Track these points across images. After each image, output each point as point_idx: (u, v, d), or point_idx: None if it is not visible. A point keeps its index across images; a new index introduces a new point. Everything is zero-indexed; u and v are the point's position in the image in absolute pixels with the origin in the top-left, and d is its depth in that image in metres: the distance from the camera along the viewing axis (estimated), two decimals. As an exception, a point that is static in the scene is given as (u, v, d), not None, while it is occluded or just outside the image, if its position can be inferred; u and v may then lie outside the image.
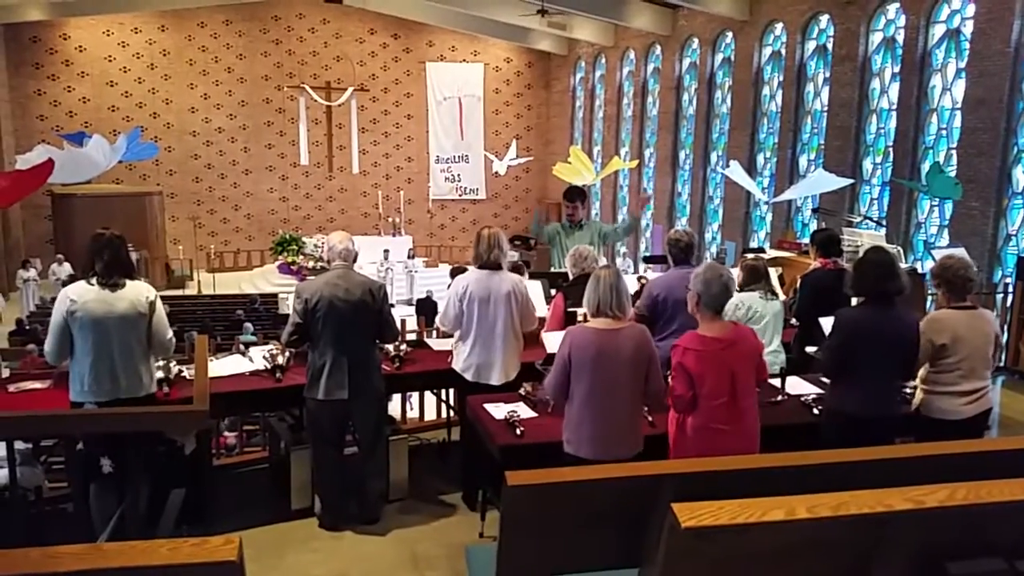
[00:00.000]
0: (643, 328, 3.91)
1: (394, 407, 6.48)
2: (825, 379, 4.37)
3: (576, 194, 7.26)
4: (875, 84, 14.25)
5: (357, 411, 4.71)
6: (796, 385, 5.00)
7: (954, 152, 12.36)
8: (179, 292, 20.81)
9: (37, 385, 4.99)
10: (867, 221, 13.22)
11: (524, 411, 4.37)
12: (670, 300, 4.95)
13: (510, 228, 22.97)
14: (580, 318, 4.57)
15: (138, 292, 4.30)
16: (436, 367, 5.38)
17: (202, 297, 20.18)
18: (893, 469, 2.53)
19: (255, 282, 22.22)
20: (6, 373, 5.33)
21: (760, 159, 17.46)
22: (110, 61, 23.21)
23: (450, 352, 5.19)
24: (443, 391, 6.29)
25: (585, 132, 25.24)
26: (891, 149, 13.74)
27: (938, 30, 12.89)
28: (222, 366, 5.21)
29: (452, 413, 6.15)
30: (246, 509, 4.97)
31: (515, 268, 5.71)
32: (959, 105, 12.30)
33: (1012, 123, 11.38)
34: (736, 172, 13.79)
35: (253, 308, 17.87)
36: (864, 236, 10.26)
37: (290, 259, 21.96)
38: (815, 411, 4.50)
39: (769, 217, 17.08)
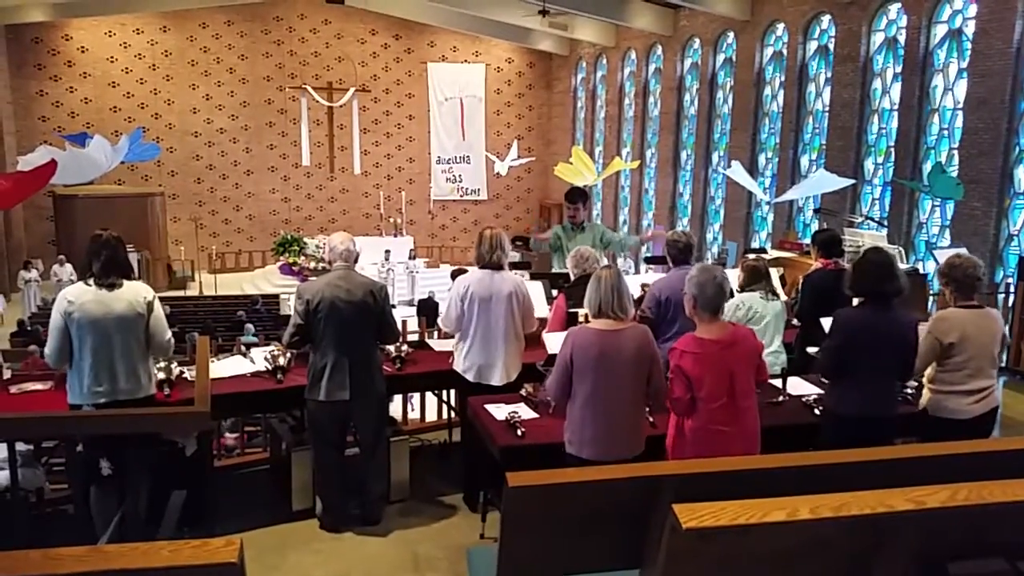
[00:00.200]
0: (645, 328, 3.91)
1: (395, 408, 6.49)
2: (824, 379, 4.36)
3: (578, 196, 7.27)
4: (877, 84, 14.24)
5: (358, 412, 4.71)
6: (797, 386, 4.99)
7: (956, 152, 12.35)
8: (181, 293, 20.84)
9: (39, 386, 4.99)
10: (869, 221, 13.22)
11: (525, 412, 4.36)
12: (672, 301, 4.95)
13: (511, 229, 22.97)
14: (581, 319, 4.57)
15: (136, 292, 4.28)
16: (437, 368, 5.38)
17: (203, 298, 20.20)
18: (894, 470, 2.53)
19: (256, 283, 22.24)
20: (8, 374, 5.32)
21: (761, 159, 17.45)
22: (112, 62, 23.24)
23: (451, 353, 5.19)
24: (444, 392, 6.29)
25: (586, 132, 25.25)
26: (893, 149, 13.73)
27: (940, 30, 12.88)
28: (223, 367, 5.21)
29: (453, 414, 6.15)
30: (247, 511, 4.97)
31: (521, 265, 5.70)
32: (961, 105, 12.29)
33: (1014, 123, 11.37)
34: (737, 172, 13.79)
35: (254, 309, 17.87)
36: (866, 236, 10.28)
37: (291, 260, 21.97)
38: (816, 412, 4.50)
39: (770, 217, 17.07)
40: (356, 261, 4.80)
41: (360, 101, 24.90)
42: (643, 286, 6.82)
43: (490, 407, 4.45)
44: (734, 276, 5.76)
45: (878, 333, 4.01)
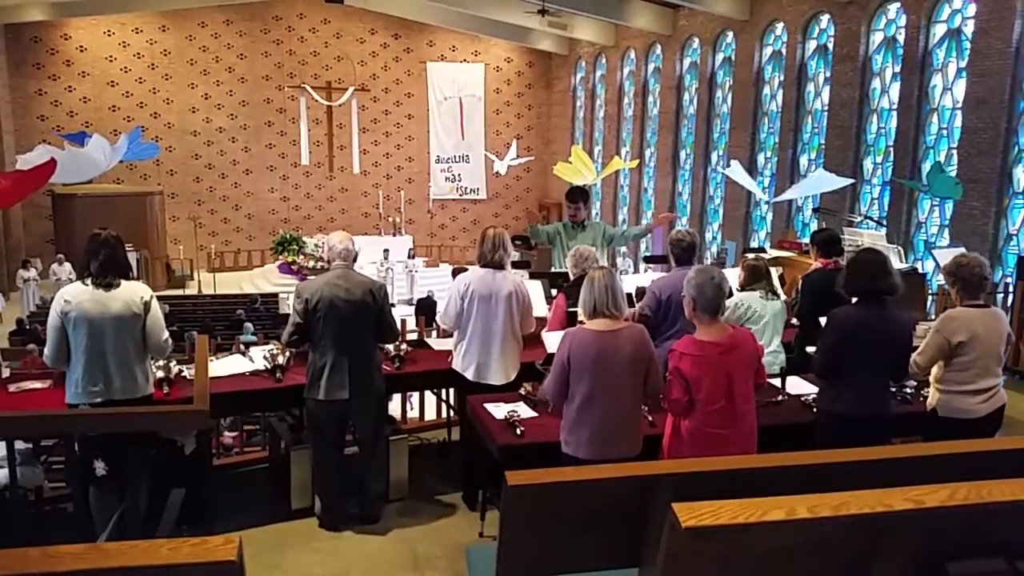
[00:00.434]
0: (642, 328, 3.90)
1: (394, 407, 6.48)
2: (821, 379, 4.35)
3: (579, 195, 7.25)
4: (876, 84, 14.25)
5: (357, 411, 4.71)
6: (796, 385, 5.00)
7: (955, 152, 12.36)
8: (180, 292, 20.83)
9: (37, 385, 4.98)
10: (868, 221, 13.23)
11: (524, 411, 4.37)
12: (673, 301, 4.94)
13: (511, 228, 22.92)
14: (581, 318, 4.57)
15: (133, 292, 4.27)
16: (436, 367, 5.39)
17: (202, 297, 20.19)
18: (893, 469, 2.53)
19: (255, 282, 22.24)
20: (6, 373, 5.32)
21: (761, 159, 17.46)
22: (111, 61, 23.22)
23: (450, 352, 5.19)
24: (443, 391, 6.29)
25: (586, 132, 25.25)
26: (892, 149, 13.74)
27: (939, 29, 12.89)
28: (222, 366, 5.21)
29: (452, 413, 6.15)
30: (246, 509, 4.97)
31: (521, 264, 5.67)
32: (960, 105, 12.30)
33: (1013, 123, 11.38)
34: (737, 172, 13.79)
35: (253, 308, 17.86)
36: (865, 236, 10.28)
37: (290, 259, 21.97)
38: (815, 411, 4.50)
39: (770, 217, 17.08)
40: (355, 260, 4.80)
41: (359, 100, 24.89)
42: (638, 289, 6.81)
43: (489, 406, 4.45)
44: (734, 275, 5.76)
45: (873, 332, 3.99)
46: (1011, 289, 9.82)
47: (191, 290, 21.55)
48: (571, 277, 5.63)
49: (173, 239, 22.89)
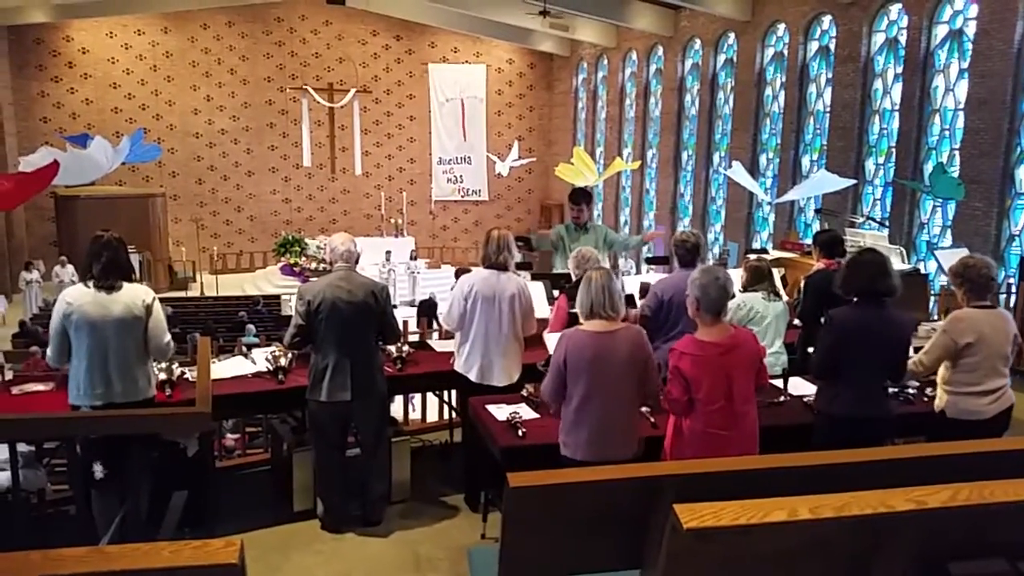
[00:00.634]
0: (639, 329, 3.90)
1: (396, 408, 6.49)
2: (818, 379, 4.34)
3: (582, 196, 7.27)
4: (878, 85, 14.24)
5: (359, 413, 4.71)
6: (798, 386, 4.99)
7: (957, 153, 12.35)
8: (182, 294, 20.85)
9: (40, 387, 4.99)
10: (870, 222, 13.22)
11: (526, 412, 4.37)
12: (675, 302, 4.94)
13: (513, 229, 22.86)
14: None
15: (135, 295, 4.26)
16: (438, 368, 5.39)
17: (205, 299, 20.20)
18: (895, 470, 2.53)
19: (258, 284, 22.25)
20: (9, 375, 5.32)
21: (763, 160, 17.45)
22: (113, 63, 23.26)
23: (452, 353, 5.19)
24: (445, 392, 6.29)
25: (587, 133, 25.26)
26: (894, 150, 13.73)
27: (940, 30, 12.89)
28: (224, 368, 5.21)
29: (454, 414, 6.15)
30: (248, 511, 4.97)
31: (523, 265, 5.67)
32: (962, 105, 12.29)
33: (1015, 123, 11.37)
34: (738, 173, 13.79)
35: (255, 310, 17.87)
36: (867, 237, 10.26)
37: (292, 261, 21.98)
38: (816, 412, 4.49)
39: (772, 218, 17.07)
40: (357, 262, 4.80)
41: (361, 102, 24.90)
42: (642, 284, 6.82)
43: (491, 407, 4.45)
44: (737, 276, 5.76)
45: (871, 333, 3.98)
46: (1014, 290, 9.80)
47: (193, 292, 21.55)
48: (573, 278, 5.63)
49: (175, 241, 22.90)
